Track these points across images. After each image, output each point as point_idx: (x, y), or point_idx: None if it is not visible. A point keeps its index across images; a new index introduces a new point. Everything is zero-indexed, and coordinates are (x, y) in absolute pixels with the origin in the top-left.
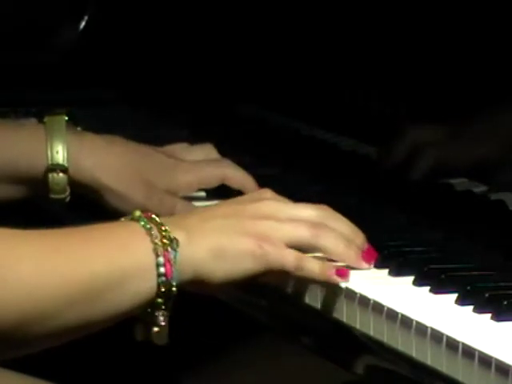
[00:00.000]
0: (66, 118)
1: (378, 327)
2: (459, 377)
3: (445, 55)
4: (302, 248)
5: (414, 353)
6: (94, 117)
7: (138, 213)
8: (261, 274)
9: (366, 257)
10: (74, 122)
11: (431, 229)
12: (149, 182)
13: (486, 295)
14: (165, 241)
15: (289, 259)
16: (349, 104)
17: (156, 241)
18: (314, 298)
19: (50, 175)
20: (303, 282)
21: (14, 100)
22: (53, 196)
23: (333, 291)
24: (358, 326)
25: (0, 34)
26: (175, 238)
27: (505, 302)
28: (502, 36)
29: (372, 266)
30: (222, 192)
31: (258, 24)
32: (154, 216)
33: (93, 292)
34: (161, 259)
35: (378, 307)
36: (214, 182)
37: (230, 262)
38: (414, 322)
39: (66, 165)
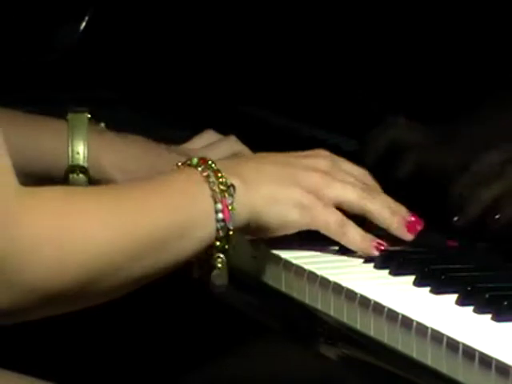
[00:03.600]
0: (89, 116)
1: (379, 328)
2: (459, 377)
3: (445, 60)
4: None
5: (414, 353)
6: (94, 117)
7: (195, 159)
8: (304, 228)
9: (410, 227)
10: (96, 119)
11: (431, 229)
12: None
13: (487, 296)
14: (222, 187)
15: (332, 220)
16: (349, 104)
17: (214, 187)
18: (313, 298)
19: (71, 176)
20: (302, 282)
21: (14, 100)
22: None
23: (333, 292)
24: (358, 327)
25: (0, 34)
26: (232, 185)
27: (505, 303)
28: (487, 38)
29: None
30: None
31: (258, 24)
32: (210, 162)
33: (157, 242)
34: (219, 205)
35: (378, 308)
36: None
37: (281, 210)
38: (415, 323)
39: (86, 166)
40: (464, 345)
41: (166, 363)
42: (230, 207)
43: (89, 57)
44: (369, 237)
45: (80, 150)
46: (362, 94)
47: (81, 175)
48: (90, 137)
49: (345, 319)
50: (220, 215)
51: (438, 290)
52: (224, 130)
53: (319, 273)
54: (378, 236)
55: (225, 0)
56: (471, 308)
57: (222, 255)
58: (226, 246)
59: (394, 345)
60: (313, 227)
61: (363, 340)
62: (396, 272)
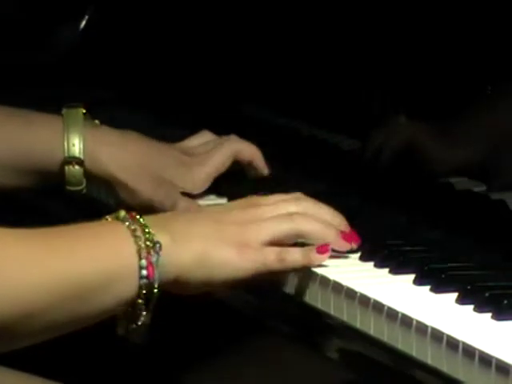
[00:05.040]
0: (84, 111)
1: (379, 326)
2: (459, 376)
3: (445, 59)
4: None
5: (414, 352)
6: (93, 117)
7: (122, 213)
8: (246, 279)
9: (346, 237)
10: (91, 115)
11: (431, 228)
12: (159, 177)
13: (486, 294)
14: (148, 243)
15: (270, 257)
16: (349, 104)
17: (140, 243)
18: (313, 298)
19: (67, 167)
20: (302, 281)
21: (13, 100)
22: (69, 188)
23: (333, 290)
24: (358, 326)
25: (0, 33)
26: (158, 242)
27: (505, 301)
28: (488, 37)
29: (354, 246)
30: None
31: (258, 24)
32: (138, 217)
33: (79, 292)
34: (144, 262)
35: (378, 306)
36: (228, 163)
37: (211, 269)
38: (415, 322)
39: (82, 157)
40: (464, 343)
41: (166, 363)
42: (154, 264)
43: (88, 56)
44: (309, 249)
45: (76, 142)
46: (362, 93)
47: (77, 167)
48: (86, 130)
49: (345, 318)
50: (144, 272)
51: (437, 288)
52: (224, 130)
53: (319, 272)
54: None
55: (225, 0)
56: (471, 307)
57: (143, 313)
58: (149, 305)
59: (393, 343)
60: (251, 278)
61: (363, 339)
62: (396, 271)
